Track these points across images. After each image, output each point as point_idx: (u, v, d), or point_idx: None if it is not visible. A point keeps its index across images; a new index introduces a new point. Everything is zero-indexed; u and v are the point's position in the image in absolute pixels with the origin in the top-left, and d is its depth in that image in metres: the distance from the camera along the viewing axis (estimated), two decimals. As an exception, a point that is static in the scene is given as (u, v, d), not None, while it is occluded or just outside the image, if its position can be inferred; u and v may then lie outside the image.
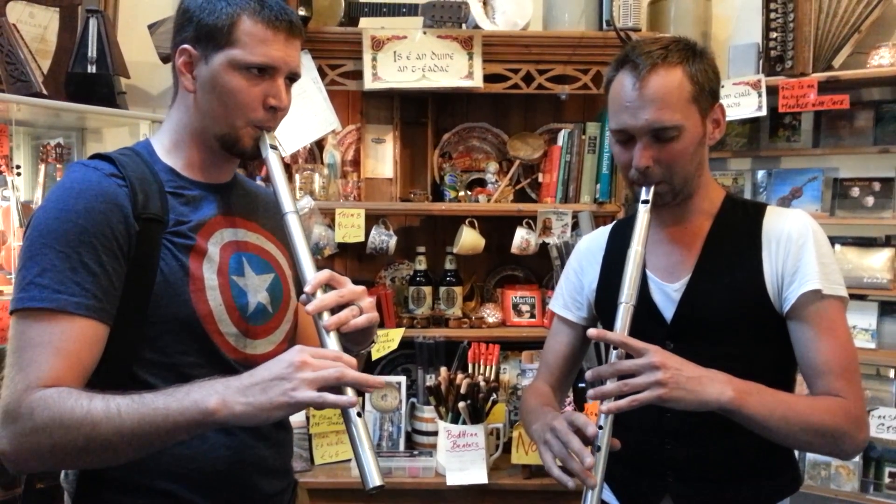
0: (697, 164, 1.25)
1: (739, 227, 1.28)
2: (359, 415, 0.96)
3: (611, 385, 1.11)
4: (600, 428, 1.11)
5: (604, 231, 1.49)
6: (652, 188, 1.23)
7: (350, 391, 0.96)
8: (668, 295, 1.29)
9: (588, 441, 1.12)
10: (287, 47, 1.10)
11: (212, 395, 0.92)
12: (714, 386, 1.10)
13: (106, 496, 1.05)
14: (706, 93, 1.22)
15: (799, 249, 1.21)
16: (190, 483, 1.07)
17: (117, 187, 1.04)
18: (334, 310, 1.03)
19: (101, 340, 1.00)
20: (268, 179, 1.14)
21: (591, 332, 1.16)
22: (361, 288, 1.07)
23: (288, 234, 1.09)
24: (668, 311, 1.29)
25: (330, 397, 0.93)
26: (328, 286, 1.05)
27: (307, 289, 1.03)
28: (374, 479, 0.94)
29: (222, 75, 1.08)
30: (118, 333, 1.02)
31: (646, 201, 1.23)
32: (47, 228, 0.99)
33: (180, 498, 1.06)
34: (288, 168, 2.37)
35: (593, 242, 1.48)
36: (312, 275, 1.04)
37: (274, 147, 1.13)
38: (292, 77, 1.14)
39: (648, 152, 1.20)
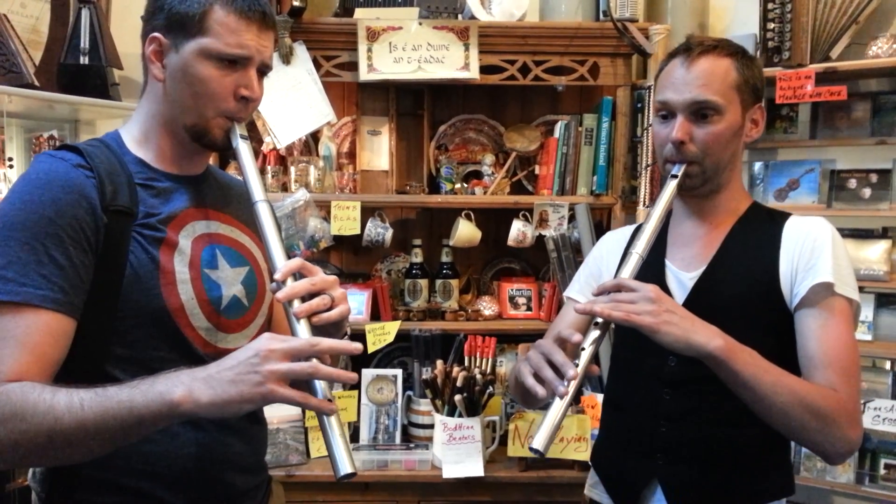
0: (730, 156, 1.28)
1: (762, 227, 1.31)
2: (329, 401, 0.95)
3: (604, 299, 1.12)
4: (576, 365, 1.09)
5: (629, 228, 1.53)
6: (683, 167, 1.26)
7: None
8: (682, 283, 1.31)
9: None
10: (259, 38, 1.09)
11: (177, 386, 0.90)
12: (706, 332, 1.11)
13: (76, 495, 1.03)
14: (750, 87, 1.27)
15: (817, 248, 1.23)
16: (161, 480, 1.05)
17: (85, 178, 1.02)
18: (305, 298, 1.02)
19: (67, 334, 0.98)
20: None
21: (578, 306, 1.17)
22: (333, 277, 1.06)
23: (258, 223, 1.08)
24: (680, 298, 1.30)
25: (313, 400, 0.92)
26: (300, 275, 1.03)
27: (277, 276, 1.02)
28: (346, 467, 0.93)
29: (193, 64, 1.06)
30: (87, 328, 1.00)
31: (675, 176, 1.27)
32: (12, 220, 0.96)
33: (152, 495, 1.05)
34: (283, 160, 2.37)
35: (619, 236, 1.52)
36: (283, 263, 1.03)
37: (245, 138, 1.12)
38: (264, 69, 1.13)
39: (686, 127, 1.24)
